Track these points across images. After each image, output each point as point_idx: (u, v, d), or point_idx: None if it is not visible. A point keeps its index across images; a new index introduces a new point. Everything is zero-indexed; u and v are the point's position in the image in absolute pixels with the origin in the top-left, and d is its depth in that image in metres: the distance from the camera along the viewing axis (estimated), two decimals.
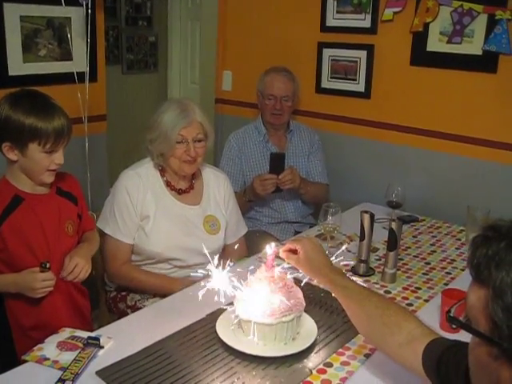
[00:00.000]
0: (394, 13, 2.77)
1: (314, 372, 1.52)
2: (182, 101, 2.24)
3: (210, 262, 2.20)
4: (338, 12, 3.00)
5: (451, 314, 0.98)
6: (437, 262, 2.23)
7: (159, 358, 1.54)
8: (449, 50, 2.67)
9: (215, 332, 1.65)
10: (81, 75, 2.74)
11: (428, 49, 2.74)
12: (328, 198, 3.02)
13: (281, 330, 1.58)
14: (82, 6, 2.60)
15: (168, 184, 2.26)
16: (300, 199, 2.99)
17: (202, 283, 1.63)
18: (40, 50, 2.62)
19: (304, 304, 1.63)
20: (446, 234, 2.54)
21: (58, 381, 1.43)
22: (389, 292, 1.97)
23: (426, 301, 1.92)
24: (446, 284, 2.04)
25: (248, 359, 1.54)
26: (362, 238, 2.11)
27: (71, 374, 1.46)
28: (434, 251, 2.34)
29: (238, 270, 1.69)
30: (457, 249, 2.38)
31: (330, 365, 1.55)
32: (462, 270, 2.17)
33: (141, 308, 2.16)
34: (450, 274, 2.14)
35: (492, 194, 2.69)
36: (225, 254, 2.36)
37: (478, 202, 2.49)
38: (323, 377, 1.50)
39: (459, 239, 2.48)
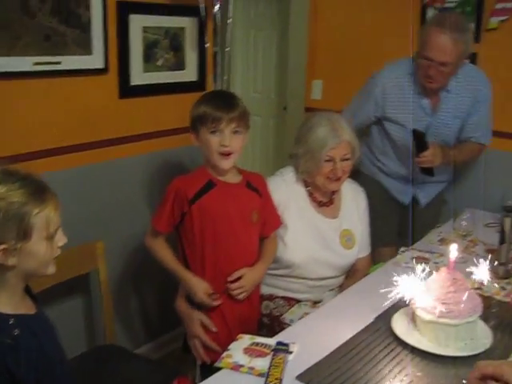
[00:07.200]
0: (500, 21, 2.82)
1: None
2: (331, 117, 2.23)
3: (339, 275, 2.29)
4: None
5: None
6: None
7: (348, 357, 1.58)
8: None
9: (391, 334, 1.68)
10: (191, 84, 2.82)
11: None
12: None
13: (465, 331, 1.62)
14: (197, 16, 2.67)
15: (310, 195, 2.30)
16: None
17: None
18: (158, 60, 2.68)
19: (481, 306, 1.67)
20: None
21: None
22: None
23: None
24: None
25: (429, 358, 1.58)
26: (502, 241, 2.15)
27: (276, 379, 1.47)
28: None
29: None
30: None
31: None
32: None
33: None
34: None
35: None
36: (353, 267, 2.38)
37: None
38: None
39: None
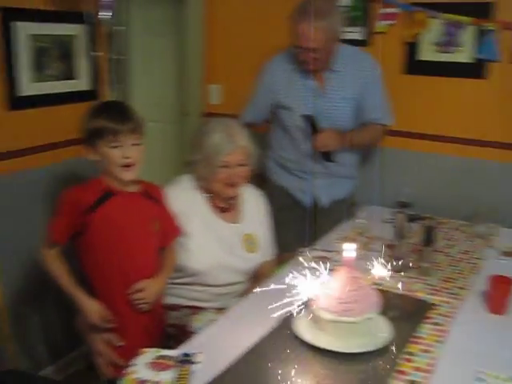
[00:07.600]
0: (387, 25, 2.94)
1: (402, 361, 1.61)
2: (227, 123, 2.24)
3: (243, 281, 2.29)
4: None
5: None
6: (458, 254, 2.39)
7: (254, 363, 1.60)
8: (440, 58, 2.88)
9: (294, 336, 1.71)
10: (85, 94, 2.74)
11: (419, 58, 2.94)
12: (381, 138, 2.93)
13: (365, 327, 1.67)
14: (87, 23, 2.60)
15: (210, 201, 2.28)
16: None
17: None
18: (47, 69, 2.57)
19: (381, 301, 1.73)
20: (455, 229, 2.71)
21: None
22: (430, 285, 2.10)
23: (462, 289, 2.07)
24: (474, 273, 2.21)
25: (332, 356, 1.62)
26: (397, 236, 2.24)
27: None
28: (453, 245, 2.50)
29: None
30: (471, 241, 2.54)
31: (410, 354, 1.65)
32: (479, 258, 2.36)
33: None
34: (474, 264, 2.30)
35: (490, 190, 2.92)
36: (258, 270, 2.38)
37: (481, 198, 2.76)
38: (412, 364, 1.60)
39: (464, 232, 2.66)
